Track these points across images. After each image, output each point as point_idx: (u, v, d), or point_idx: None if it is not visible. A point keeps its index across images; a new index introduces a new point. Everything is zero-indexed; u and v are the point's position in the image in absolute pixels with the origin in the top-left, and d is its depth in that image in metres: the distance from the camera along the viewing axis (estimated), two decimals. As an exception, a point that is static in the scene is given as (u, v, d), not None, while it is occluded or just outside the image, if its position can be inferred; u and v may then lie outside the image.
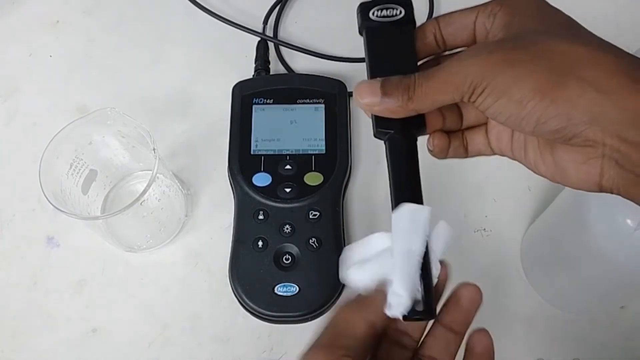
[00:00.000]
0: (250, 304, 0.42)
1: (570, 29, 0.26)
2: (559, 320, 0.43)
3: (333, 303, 0.43)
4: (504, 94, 0.25)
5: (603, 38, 0.26)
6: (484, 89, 0.25)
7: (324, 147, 0.47)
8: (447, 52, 0.31)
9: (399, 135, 0.28)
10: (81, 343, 0.43)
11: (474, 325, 0.44)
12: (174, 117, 0.52)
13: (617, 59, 0.24)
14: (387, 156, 0.29)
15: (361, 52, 0.53)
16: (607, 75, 0.24)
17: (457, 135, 0.31)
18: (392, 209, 0.28)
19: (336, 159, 0.46)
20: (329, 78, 0.50)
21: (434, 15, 0.57)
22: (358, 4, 0.31)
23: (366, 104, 0.28)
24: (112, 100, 0.52)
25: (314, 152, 0.46)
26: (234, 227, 0.45)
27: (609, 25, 0.57)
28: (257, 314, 0.42)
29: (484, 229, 0.47)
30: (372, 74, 0.30)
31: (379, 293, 0.27)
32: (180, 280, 0.45)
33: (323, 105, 0.48)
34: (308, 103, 0.48)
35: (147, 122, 0.41)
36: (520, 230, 0.46)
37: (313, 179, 0.45)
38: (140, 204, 0.39)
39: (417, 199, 0.28)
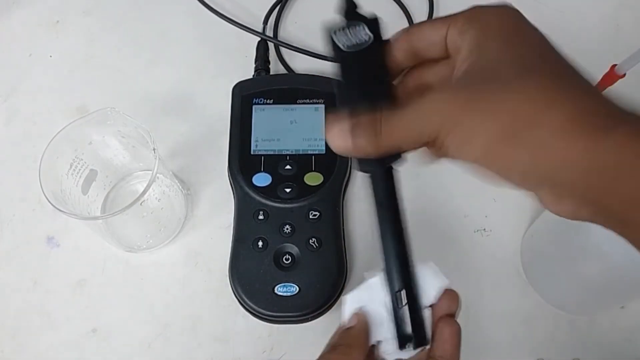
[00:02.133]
0: (250, 304, 0.42)
1: (540, 56, 0.25)
2: (559, 320, 0.43)
3: (333, 303, 0.43)
4: (466, 144, 0.24)
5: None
6: (446, 136, 0.25)
7: (324, 147, 0.47)
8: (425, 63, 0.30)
9: (380, 169, 0.28)
10: (81, 343, 0.43)
11: (473, 320, 0.44)
12: (174, 117, 0.52)
13: (580, 102, 0.23)
14: (370, 188, 0.29)
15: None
16: (568, 122, 0.23)
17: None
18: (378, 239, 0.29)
19: (336, 159, 0.46)
20: (329, 78, 0.50)
21: (434, 15, 0.57)
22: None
23: (339, 149, 0.27)
24: (112, 100, 0.52)
25: (314, 152, 0.46)
26: (234, 227, 0.45)
27: (609, 25, 0.57)
28: (257, 314, 0.42)
29: (484, 229, 0.47)
30: (341, 103, 0.28)
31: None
32: (180, 280, 0.45)
33: (323, 105, 0.48)
34: (308, 103, 0.48)
35: (147, 122, 0.41)
36: (520, 230, 0.46)
37: (313, 179, 0.45)
38: (140, 204, 0.39)
39: (401, 239, 0.29)
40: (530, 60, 0.25)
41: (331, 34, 0.29)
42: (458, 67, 0.26)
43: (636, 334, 0.43)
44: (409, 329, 0.28)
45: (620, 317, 0.43)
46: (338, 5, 0.30)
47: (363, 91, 0.28)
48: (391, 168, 0.28)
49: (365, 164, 0.28)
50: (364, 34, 0.29)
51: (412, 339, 0.28)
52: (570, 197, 0.24)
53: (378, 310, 0.29)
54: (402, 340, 0.28)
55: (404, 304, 0.28)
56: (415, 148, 0.27)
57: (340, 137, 0.26)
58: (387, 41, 0.29)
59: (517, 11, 0.27)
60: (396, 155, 0.28)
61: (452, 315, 0.29)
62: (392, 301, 0.28)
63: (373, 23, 0.29)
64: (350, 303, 0.31)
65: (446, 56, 0.28)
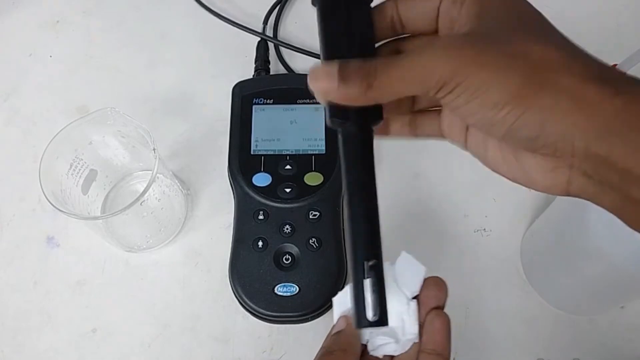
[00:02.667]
0: (250, 304, 0.42)
1: (542, 29, 0.25)
2: (559, 320, 0.43)
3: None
4: (477, 97, 0.23)
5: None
6: (454, 87, 0.24)
7: (324, 147, 0.47)
8: (405, 36, 0.28)
9: (355, 127, 0.26)
10: (81, 343, 0.43)
11: (473, 320, 0.44)
12: (174, 117, 0.52)
13: (586, 66, 0.24)
14: (341, 148, 0.27)
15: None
16: (579, 84, 0.23)
17: (403, 117, 0.29)
18: (344, 207, 0.26)
19: (336, 159, 0.46)
20: (329, 78, 0.50)
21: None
22: None
23: (322, 90, 0.25)
24: (112, 100, 0.52)
25: (314, 152, 0.46)
26: (234, 227, 0.45)
27: (609, 25, 0.57)
28: (257, 314, 0.42)
29: (484, 229, 0.47)
30: (327, 55, 0.26)
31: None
32: (180, 280, 0.45)
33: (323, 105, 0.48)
34: (308, 103, 0.48)
35: (147, 122, 0.41)
36: (520, 230, 0.46)
37: (313, 179, 0.45)
38: (140, 204, 0.39)
39: (372, 205, 0.27)
40: (535, 30, 0.25)
41: None
42: (460, 31, 0.26)
43: (636, 334, 0.43)
44: (369, 309, 0.25)
45: (620, 317, 0.43)
46: None
47: (350, 42, 0.26)
48: (369, 129, 0.26)
49: (340, 117, 0.26)
50: None
51: (372, 321, 0.25)
52: (567, 167, 0.24)
53: None
54: (360, 320, 0.25)
55: (366, 276, 0.25)
56: (412, 94, 0.26)
57: (326, 77, 0.25)
58: (370, 3, 0.27)
59: None
60: (377, 115, 0.26)
61: (441, 307, 0.28)
62: (354, 274, 0.25)
63: None
64: (338, 305, 0.29)
65: (433, 31, 0.27)
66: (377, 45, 0.28)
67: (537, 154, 0.25)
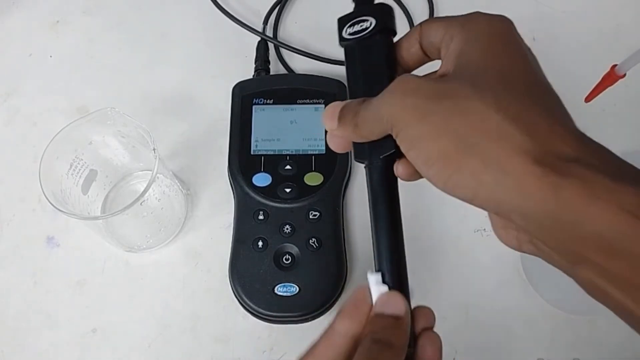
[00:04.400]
0: (250, 304, 0.42)
1: (508, 76, 0.24)
2: (559, 320, 0.43)
3: (333, 303, 0.43)
4: (413, 148, 0.24)
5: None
6: (397, 134, 0.25)
7: (324, 147, 0.47)
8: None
9: (374, 160, 0.28)
10: (81, 343, 0.43)
11: (473, 320, 0.44)
12: (174, 117, 0.52)
13: (530, 137, 0.22)
14: (367, 180, 0.29)
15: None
16: (512, 156, 0.21)
17: None
18: (372, 237, 0.28)
19: (336, 159, 0.46)
20: (329, 78, 0.50)
21: (435, 14, 0.57)
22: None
23: (327, 127, 0.28)
24: (112, 100, 0.52)
25: (314, 152, 0.46)
26: (234, 227, 0.45)
27: (609, 25, 0.57)
28: (257, 314, 0.42)
29: (484, 229, 0.47)
30: (350, 94, 0.29)
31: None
32: (180, 280, 0.45)
33: (323, 105, 0.48)
34: (308, 103, 0.49)
35: (147, 122, 0.41)
36: (520, 230, 0.46)
37: (313, 179, 0.45)
38: (140, 204, 0.39)
39: (395, 232, 0.28)
40: (503, 75, 0.24)
41: (341, 22, 0.29)
42: (440, 71, 0.26)
43: (636, 334, 0.43)
44: None
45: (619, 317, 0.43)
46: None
47: (370, 78, 0.28)
48: (387, 159, 0.28)
49: (359, 153, 0.28)
50: (367, 23, 0.28)
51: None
52: (514, 229, 0.24)
53: None
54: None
55: None
56: (384, 135, 0.26)
57: (330, 118, 0.27)
58: (393, 32, 0.29)
59: (510, 22, 0.27)
60: (388, 147, 0.27)
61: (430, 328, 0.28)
62: None
63: (383, 14, 0.28)
64: (377, 283, 0.28)
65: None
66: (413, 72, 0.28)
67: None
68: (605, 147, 0.23)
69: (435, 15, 0.57)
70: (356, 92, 0.28)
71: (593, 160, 0.21)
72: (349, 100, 0.27)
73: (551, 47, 0.56)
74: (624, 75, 0.40)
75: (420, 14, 0.57)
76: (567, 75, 0.54)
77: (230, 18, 0.56)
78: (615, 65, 0.40)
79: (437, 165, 0.23)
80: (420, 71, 0.28)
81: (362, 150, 0.28)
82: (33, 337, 0.44)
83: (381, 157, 0.27)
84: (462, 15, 0.27)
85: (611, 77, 0.40)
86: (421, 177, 0.26)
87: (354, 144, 0.28)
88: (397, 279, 0.27)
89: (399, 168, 0.28)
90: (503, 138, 0.22)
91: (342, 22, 0.29)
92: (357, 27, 0.28)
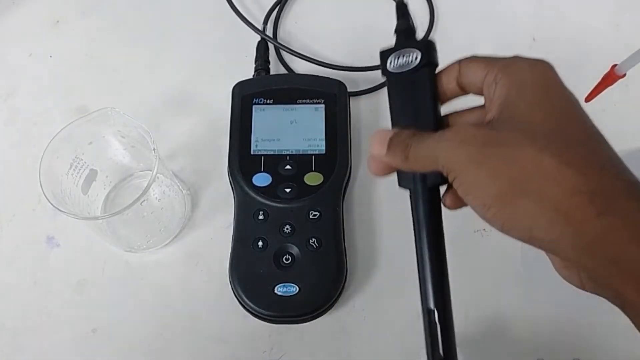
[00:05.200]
0: (250, 304, 0.42)
1: (557, 125, 0.25)
2: (559, 320, 0.43)
3: (333, 303, 0.43)
4: (470, 193, 0.25)
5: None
6: (454, 178, 0.26)
7: (324, 147, 0.47)
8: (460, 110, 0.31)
9: (419, 187, 0.29)
10: (81, 343, 0.43)
11: (473, 320, 0.44)
12: (174, 117, 0.52)
13: (584, 177, 0.23)
14: (411, 207, 0.30)
15: (361, 60, 0.53)
16: (565, 197, 0.23)
17: None
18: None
19: (336, 159, 0.46)
20: (329, 78, 0.50)
21: (435, 21, 0.57)
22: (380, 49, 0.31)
23: (375, 154, 0.29)
24: (112, 100, 0.52)
25: (314, 152, 0.46)
26: (234, 227, 0.45)
27: (609, 25, 0.57)
28: (257, 314, 0.42)
29: (484, 229, 0.47)
30: (393, 123, 0.30)
31: None
32: (180, 280, 0.45)
33: (323, 105, 0.48)
34: (308, 103, 0.48)
35: (147, 122, 0.41)
36: (520, 230, 0.46)
37: (313, 179, 0.45)
38: (141, 204, 0.39)
39: (439, 256, 0.29)
40: (552, 124, 0.25)
41: (384, 54, 0.30)
42: (487, 116, 0.27)
43: (636, 334, 0.43)
44: (440, 349, 0.28)
45: (619, 317, 0.43)
46: (397, 28, 0.31)
47: (413, 109, 0.29)
48: (433, 187, 0.29)
49: (404, 181, 0.29)
50: (413, 56, 0.29)
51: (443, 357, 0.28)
52: (575, 268, 0.24)
53: None
54: (434, 355, 0.28)
55: (437, 323, 0.28)
56: (432, 170, 0.27)
57: (380, 144, 0.28)
58: (436, 66, 0.30)
59: (552, 68, 0.27)
60: (435, 177, 0.28)
61: None
62: (424, 318, 0.28)
63: (427, 48, 0.29)
64: None
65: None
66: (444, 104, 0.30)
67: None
68: None
69: (436, 17, 0.57)
70: (401, 122, 0.29)
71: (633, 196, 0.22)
72: (398, 130, 0.28)
73: (551, 47, 0.56)
74: (624, 75, 0.40)
75: (420, 15, 0.57)
76: (567, 76, 0.54)
77: (235, 12, 0.56)
78: (615, 65, 0.40)
79: (493, 209, 0.24)
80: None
81: (408, 178, 0.29)
82: (33, 337, 0.44)
83: (432, 184, 0.29)
84: (502, 58, 0.28)
85: (611, 77, 0.40)
86: (465, 204, 0.28)
87: (399, 171, 0.29)
88: (443, 315, 0.28)
89: (446, 200, 0.29)
90: (557, 180, 0.23)
91: (386, 54, 0.30)
92: (402, 60, 0.29)
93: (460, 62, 0.29)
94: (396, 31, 0.31)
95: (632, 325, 0.41)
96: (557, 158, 0.23)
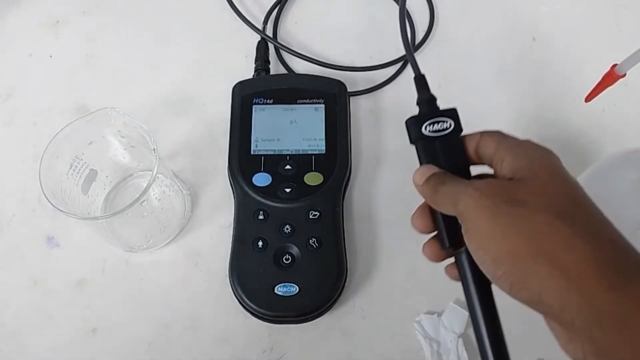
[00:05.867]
0: (250, 304, 0.42)
1: (567, 200, 0.26)
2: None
3: (333, 303, 0.43)
4: (482, 247, 0.26)
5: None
6: (467, 230, 0.26)
7: (324, 147, 0.47)
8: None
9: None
10: (81, 343, 0.43)
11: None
12: (174, 117, 0.52)
13: (596, 249, 0.24)
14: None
15: (361, 60, 0.53)
16: (578, 265, 0.23)
17: None
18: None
19: (336, 159, 0.46)
20: (329, 78, 0.50)
21: (435, 21, 0.57)
22: (406, 119, 0.33)
23: (414, 181, 0.31)
24: (112, 100, 0.52)
25: (314, 152, 0.46)
26: (234, 227, 0.45)
27: (608, 25, 0.57)
28: (257, 314, 0.42)
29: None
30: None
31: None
32: (180, 280, 0.45)
33: (323, 105, 0.48)
34: (308, 103, 0.48)
35: (147, 122, 0.41)
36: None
37: (313, 179, 0.45)
38: (141, 204, 0.39)
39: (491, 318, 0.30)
40: (563, 199, 0.26)
41: (411, 122, 0.33)
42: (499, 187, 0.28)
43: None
44: None
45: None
46: (420, 98, 0.33)
47: (446, 165, 0.31)
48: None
49: (452, 243, 0.31)
50: (447, 123, 0.32)
51: None
52: (580, 342, 0.24)
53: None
54: None
55: None
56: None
57: (420, 175, 0.31)
58: (461, 131, 0.32)
59: (557, 157, 0.29)
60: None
61: None
62: None
63: (457, 117, 0.32)
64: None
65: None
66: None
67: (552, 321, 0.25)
68: None
69: (435, 17, 0.58)
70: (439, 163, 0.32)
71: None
72: (441, 170, 0.30)
73: (551, 47, 0.56)
74: (624, 75, 0.40)
75: (421, 15, 0.57)
76: (567, 75, 0.54)
77: (235, 12, 0.56)
78: (615, 65, 0.40)
79: (505, 266, 0.25)
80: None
81: (454, 239, 0.30)
82: (33, 337, 0.44)
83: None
84: (513, 138, 0.30)
85: (611, 77, 0.40)
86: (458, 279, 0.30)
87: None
88: None
89: (448, 270, 0.31)
90: (571, 248, 0.24)
91: (416, 121, 0.32)
92: (437, 126, 0.32)
93: (482, 133, 0.31)
94: (420, 101, 0.33)
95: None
96: (572, 228, 0.24)
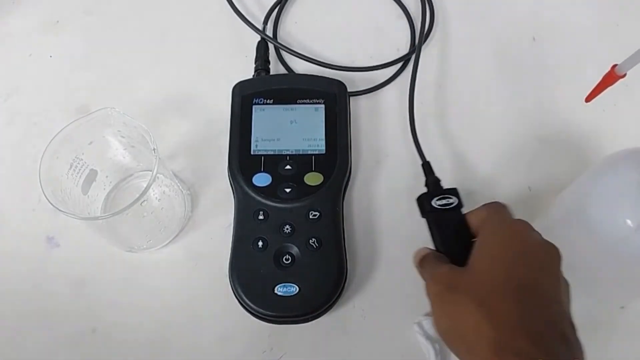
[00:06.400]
0: (250, 304, 0.42)
1: (491, 291, 0.31)
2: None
3: (333, 303, 0.43)
4: (434, 322, 0.34)
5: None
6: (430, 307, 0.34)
7: (324, 147, 0.47)
8: None
9: None
10: (81, 343, 0.43)
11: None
12: (174, 117, 0.52)
13: (494, 331, 0.29)
14: None
15: (361, 60, 0.53)
16: (481, 345, 0.29)
17: None
18: None
19: (336, 159, 0.46)
20: (329, 78, 0.50)
21: (435, 21, 0.57)
22: (417, 195, 0.41)
23: (413, 261, 0.39)
24: (112, 100, 0.52)
25: (314, 152, 0.46)
26: (234, 227, 0.45)
27: (609, 25, 0.57)
28: (257, 314, 0.42)
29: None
30: (436, 247, 0.39)
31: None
32: (180, 280, 0.45)
33: (323, 105, 0.48)
34: (308, 103, 0.48)
35: (147, 122, 0.41)
36: (520, 230, 0.46)
37: (313, 179, 0.45)
38: (141, 204, 0.39)
39: None
40: (496, 278, 0.32)
41: (422, 198, 0.41)
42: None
43: (636, 334, 0.43)
44: None
45: (620, 317, 0.43)
46: (428, 181, 0.43)
47: (453, 238, 0.39)
48: None
49: None
50: (452, 199, 0.40)
51: None
52: None
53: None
54: None
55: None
56: None
57: (416, 257, 0.39)
58: (462, 206, 0.40)
59: (523, 225, 0.35)
60: None
61: None
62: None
63: (454, 192, 0.41)
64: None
65: None
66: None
67: None
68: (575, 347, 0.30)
69: (436, 16, 0.57)
70: (440, 247, 0.39)
71: (531, 350, 0.28)
72: (433, 252, 0.38)
73: (551, 47, 0.56)
74: (624, 75, 0.40)
75: (420, 14, 0.57)
76: (567, 75, 0.54)
77: (235, 12, 0.56)
78: (615, 65, 0.40)
79: (443, 338, 0.33)
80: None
81: None
82: (33, 337, 0.44)
83: None
84: (500, 218, 0.37)
85: (611, 77, 0.40)
86: None
87: None
88: None
89: None
90: (478, 332, 0.29)
91: (426, 197, 0.40)
92: (443, 202, 0.40)
93: (483, 206, 0.38)
94: (428, 183, 0.43)
95: (632, 325, 0.41)
96: (485, 312, 0.30)
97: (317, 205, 0.44)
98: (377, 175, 0.49)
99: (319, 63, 0.54)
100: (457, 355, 0.32)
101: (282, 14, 0.58)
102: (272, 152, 0.46)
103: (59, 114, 0.52)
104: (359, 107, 0.52)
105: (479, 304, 0.30)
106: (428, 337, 0.42)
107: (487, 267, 0.32)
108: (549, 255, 0.33)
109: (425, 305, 0.35)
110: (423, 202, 0.40)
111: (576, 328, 0.31)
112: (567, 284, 0.33)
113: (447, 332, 0.32)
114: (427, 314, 0.43)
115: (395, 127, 0.51)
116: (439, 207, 0.40)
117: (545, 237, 0.44)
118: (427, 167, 0.44)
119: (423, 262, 0.37)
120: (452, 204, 0.40)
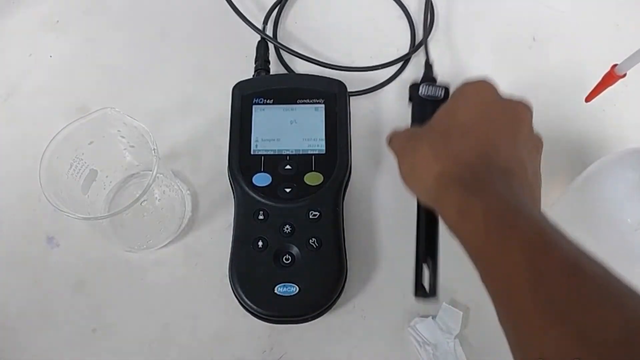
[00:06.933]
0: (250, 304, 0.42)
1: (441, 135, 0.35)
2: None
3: (333, 303, 0.43)
4: (398, 167, 0.37)
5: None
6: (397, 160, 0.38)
7: (324, 147, 0.47)
8: None
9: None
10: (81, 343, 0.43)
11: (474, 320, 0.44)
12: (174, 117, 0.52)
13: (436, 164, 0.33)
14: None
15: (361, 60, 0.53)
16: (428, 175, 0.34)
17: None
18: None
19: (336, 159, 0.46)
20: (329, 78, 0.50)
21: (435, 21, 0.57)
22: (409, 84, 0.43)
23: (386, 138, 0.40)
24: (112, 100, 0.52)
25: (314, 152, 0.46)
26: (234, 227, 0.45)
27: (608, 25, 0.57)
28: (257, 314, 0.42)
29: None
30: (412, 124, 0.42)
31: None
32: (180, 280, 0.45)
33: (323, 105, 0.48)
34: (308, 103, 0.48)
35: (147, 122, 0.41)
36: (520, 230, 0.46)
37: (313, 179, 0.45)
38: (141, 203, 0.39)
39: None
40: (435, 136, 0.35)
41: (418, 85, 0.42)
42: None
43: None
44: (426, 283, 0.37)
45: (620, 317, 0.43)
46: (423, 75, 0.46)
47: (421, 124, 0.39)
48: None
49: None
50: (440, 91, 0.42)
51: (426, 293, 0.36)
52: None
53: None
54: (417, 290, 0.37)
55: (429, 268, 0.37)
56: None
57: (387, 139, 0.40)
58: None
59: (479, 84, 0.37)
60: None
61: None
62: (417, 262, 0.38)
63: (446, 88, 0.42)
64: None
65: None
66: None
67: None
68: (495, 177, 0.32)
69: (435, 17, 0.57)
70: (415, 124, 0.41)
71: (466, 176, 0.32)
72: (405, 128, 0.40)
73: (551, 47, 0.56)
74: (624, 75, 0.40)
75: (420, 15, 0.57)
76: (567, 75, 0.54)
77: (235, 12, 0.56)
78: (615, 65, 0.40)
79: (405, 183, 0.36)
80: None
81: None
82: (33, 337, 0.44)
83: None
84: (467, 82, 0.38)
85: (611, 77, 0.40)
86: None
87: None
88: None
89: None
90: (428, 168, 0.34)
91: (416, 84, 0.42)
92: (431, 91, 0.42)
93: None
94: (425, 77, 0.46)
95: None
96: (434, 151, 0.34)
97: (317, 205, 0.44)
98: (377, 175, 0.50)
99: (319, 63, 0.54)
100: (414, 194, 0.36)
101: (282, 14, 0.58)
102: (272, 152, 0.46)
103: (59, 113, 0.52)
104: (359, 107, 0.52)
105: (430, 146, 0.34)
106: (422, 342, 0.42)
107: (442, 117, 0.36)
108: (509, 109, 0.36)
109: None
110: (412, 90, 0.42)
111: (540, 180, 0.35)
112: (538, 140, 0.37)
113: (408, 176, 0.36)
114: (420, 316, 0.43)
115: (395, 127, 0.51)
116: (425, 96, 0.42)
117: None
118: (427, 65, 0.48)
119: (392, 137, 0.39)
120: (439, 96, 0.41)
